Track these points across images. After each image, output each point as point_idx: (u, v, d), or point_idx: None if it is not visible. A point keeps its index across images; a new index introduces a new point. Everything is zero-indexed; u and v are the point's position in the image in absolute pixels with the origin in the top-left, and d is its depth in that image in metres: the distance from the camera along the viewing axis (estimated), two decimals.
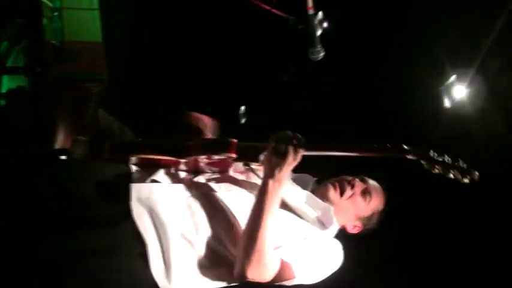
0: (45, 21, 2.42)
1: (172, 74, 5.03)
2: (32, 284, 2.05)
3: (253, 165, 2.39)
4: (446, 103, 4.22)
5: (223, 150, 2.33)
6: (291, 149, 2.19)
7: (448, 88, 4.20)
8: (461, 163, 2.25)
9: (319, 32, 2.64)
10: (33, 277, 2.04)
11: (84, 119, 2.70)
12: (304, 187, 2.60)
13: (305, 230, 2.42)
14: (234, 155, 2.34)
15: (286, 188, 2.35)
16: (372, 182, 2.67)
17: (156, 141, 2.38)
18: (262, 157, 2.33)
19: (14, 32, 3.42)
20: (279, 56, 5.25)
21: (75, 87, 2.44)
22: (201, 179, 2.38)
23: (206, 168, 2.43)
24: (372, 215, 2.67)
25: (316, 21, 2.59)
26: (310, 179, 2.71)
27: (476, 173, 2.25)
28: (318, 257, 2.37)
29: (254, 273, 2.18)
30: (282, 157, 2.19)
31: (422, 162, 2.28)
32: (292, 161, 2.20)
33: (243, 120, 6.67)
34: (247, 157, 2.37)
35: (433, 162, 2.27)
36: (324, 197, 2.57)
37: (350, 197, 2.59)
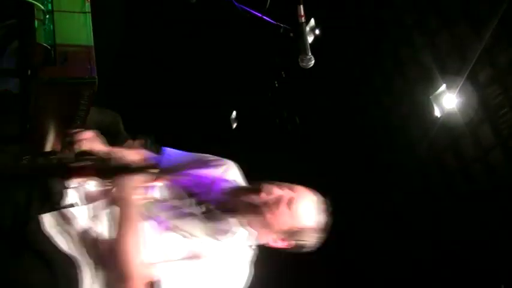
0: (36, 23, 2.40)
1: (162, 79, 5.05)
2: None
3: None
4: (436, 112, 4.24)
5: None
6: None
7: (438, 97, 4.22)
8: None
9: (310, 40, 2.65)
10: None
11: (73, 121, 2.70)
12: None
13: (192, 248, 2.28)
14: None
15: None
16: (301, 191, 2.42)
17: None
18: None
19: (5, 34, 3.42)
20: (270, 62, 5.27)
21: (66, 90, 2.43)
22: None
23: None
24: (301, 232, 2.38)
25: (307, 29, 2.60)
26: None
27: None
28: (203, 278, 2.23)
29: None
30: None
31: None
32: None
33: (234, 125, 6.69)
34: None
35: None
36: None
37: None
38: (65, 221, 2.22)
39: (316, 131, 5.41)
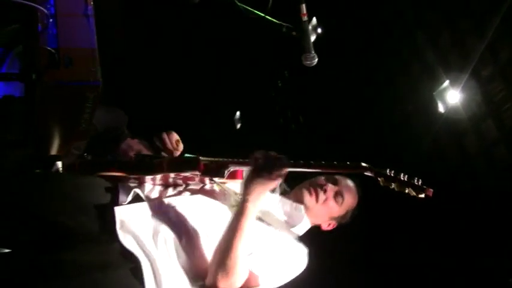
0: (40, 27, 2.41)
1: (165, 80, 5.05)
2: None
3: (220, 180, 2.49)
4: (440, 108, 4.24)
5: (189, 168, 2.42)
6: (275, 173, 2.24)
7: (442, 93, 4.22)
8: (415, 181, 2.29)
9: (313, 38, 2.65)
10: None
11: (79, 124, 2.70)
12: (272, 190, 2.63)
13: (272, 237, 2.49)
14: (199, 172, 2.42)
15: None
16: (344, 182, 2.76)
17: (123, 160, 2.52)
18: (226, 172, 2.41)
19: (9, 38, 3.43)
20: (273, 62, 5.27)
21: (70, 93, 2.44)
22: (175, 192, 2.49)
23: (179, 182, 2.53)
24: (346, 213, 2.78)
25: (310, 28, 2.60)
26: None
27: (431, 189, 2.30)
28: (282, 265, 2.46)
29: (224, 285, 2.26)
30: (265, 179, 2.24)
31: (379, 179, 2.32)
32: (274, 182, 2.27)
33: (238, 126, 6.70)
34: (212, 173, 2.44)
35: (389, 179, 2.30)
36: (299, 201, 2.69)
37: (324, 201, 2.69)
38: (131, 218, 2.28)
39: (320, 130, 5.42)
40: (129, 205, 2.32)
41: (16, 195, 2.27)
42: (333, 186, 2.71)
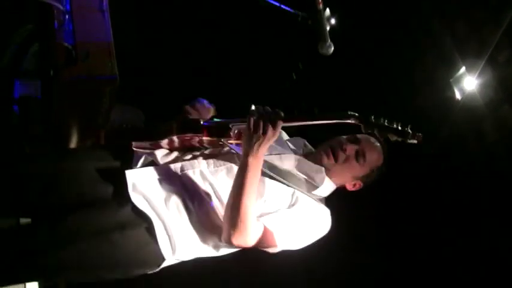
0: (56, 24, 2.43)
1: (180, 72, 5.05)
2: (56, 260, 2.19)
3: (230, 141, 2.51)
4: (457, 95, 4.22)
5: (192, 130, 2.49)
6: (269, 125, 2.25)
7: (458, 80, 4.20)
8: (397, 125, 2.31)
9: (328, 28, 2.64)
10: (54, 255, 2.17)
11: (96, 119, 2.72)
12: (295, 151, 2.70)
13: (292, 197, 2.49)
14: (202, 134, 2.48)
15: (277, 152, 2.54)
16: (365, 140, 2.69)
17: (136, 128, 2.66)
18: (235, 131, 2.46)
19: (26, 37, 3.45)
20: (288, 52, 5.26)
21: (88, 87, 2.46)
22: (190, 156, 2.52)
23: (196, 145, 2.58)
24: (371, 172, 2.71)
25: (324, 16, 2.60)
26: (302, 142, 2.79)
27: (419, 134, 2.32)
28: (302, 225, 2.45)
29: (238, 240, 2.30)
30: (261, 133, 2.25)
31: (362, 125, 2.34)
32: (271, 135, 2.27)
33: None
34: (216, 133, 2.48)
35: (371, 125, 2.32)
36: (318, 164, 2.64)
37: (344, 161, 2.64)
38: (142, 180, 2.34)
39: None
40: (140, 168, 2.39)
41: (33, 168, 2.35)
42: (353, 145, 2.65)
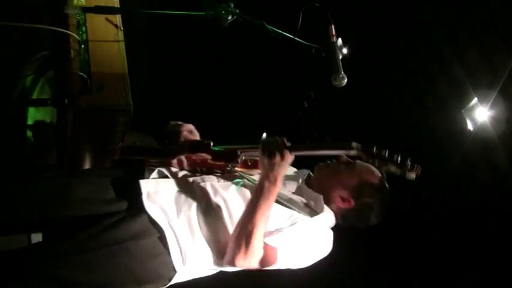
0: (72, 53, 2.46)
1: (193, 101, 5.08)
2: (75, 268, 2.19)
3: (236, 168, 2.55)
4: (469, 126, 4.21)
5: (200, 150, 2.50)
6: (276, 152, 2.31)
7: (470, 111, 4.20)
8: (398, 157, 2.28)
9: (340, 57, 2.66)
10: (71, 263, 2.18)
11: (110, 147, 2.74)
12: (297, 179, 2.72)
13: (292, 217, 2.49)
14: (209, 156, 2.50)
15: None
16: (360, 162, 2.68)
17: (148, 146, 2.58)
18: (243, 158, 2.50)
19: (39, 64, 3.49)
20: (301, 82, 5.29)
21: (102, 117, 2.48)
22: (199, 177, 2.51)
23: (205, 168, 2.58)
24: (362, 185, 2.65)
25: (337, 48, 2.61)
26: (306, 172, 2.79)
27: (417, 166, 2.28)
28: (303, 244, 2.45)
29: (242, 262, 2.31)
30: (270, 159, 2.31)
31: (362, 155, 2.34)
32: (280, 162, 2.31)
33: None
34: (224, 158, 2.51)
35: (372, 156, 2.32)
36: (315, 175, 2.71)
37: (333, 165, 2.69)
38: (156, 190, 2.36)
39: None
40: (154, 179, 2.41)
41: (46, 183, 2.35)
42: (343, 157, 2.68)
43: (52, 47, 2.93)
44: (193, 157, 2.53)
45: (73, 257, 2.18)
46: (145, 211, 2.29)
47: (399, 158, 2.29)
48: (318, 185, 2.67)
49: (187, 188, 2.42)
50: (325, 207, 2.60)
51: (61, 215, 2.26)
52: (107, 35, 2.56)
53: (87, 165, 2.84)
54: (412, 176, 2.28)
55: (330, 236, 2.56)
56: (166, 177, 2.46)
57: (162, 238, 2.30)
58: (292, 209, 2.51)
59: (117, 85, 2.47)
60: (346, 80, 2.60)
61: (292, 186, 2.67)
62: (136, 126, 2.81)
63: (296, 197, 2.60)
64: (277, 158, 2.31)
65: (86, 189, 2.31)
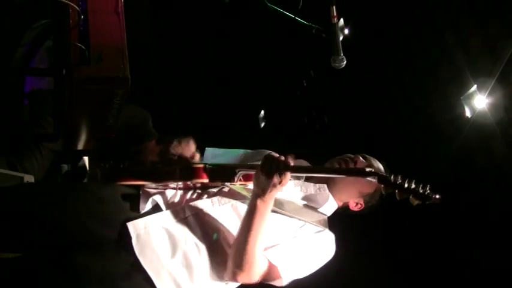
0: (71, 23, 2.44)
1: (191, 77, 5.07)
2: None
3: (231, 185, 2.49)
4: (467, 113, 4.21)
5: (194, 177, 2.44)
6: (275, 174, 2.24)
7: (469, 98, 4.19)
8: (420, 188, 2.16)
9: (341, 38, 2.65)
10: None
11: (106, 120, 2.73)
12: (296, 176, 2.64)
13: (294, 227, 2.50)
14: (206, 180, 2.44)
15: None
16: (373, 160, 2.71)
17: (138, 168, 2.52)
18: (240, 176, 2.45)
19: (39, 33, 3.47)
20: (300, 61, 5.27)
21: (99, 89, 2.47)
22: (194, 196, 2.51)
23: (198, 186, 2.54)
24: (375, 192, 2.70)
25: (338, 29, 2.60)
26: (304, 164, 2.73)
27: (438, 196, 2.19)
28: (306, 254, 2.46)
29: (243, 279, 2.34)
30: (268, 179, 2.25)
31: (382, 185, 2.23)
32: (277, 183, 2.25)
33: (262, 124, 6.71)
34: (220, 178, 2.47)
35: (391, 186, 2.20)
36: (324, 182, 2.65)
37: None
38: (147, 230, 2.32)
39: (345, 131, 5.41)
40: (143, 218, 2.35)
41: (40, 202, 2.31)
42: (363, 160, 2.66)
43: (52, 16, 2.91)
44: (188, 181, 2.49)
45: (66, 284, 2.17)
46: (136, 256, 2.26)
47: (420, 189, 2.17)
48: (333, 187, 2.65)
49: (181, 219, 2.39)
50: (330, 196, 2.63)
51: (57, 239, 2.23)
52: (107, 6, 2.54)
53: (82, 136, 2.84)
54: (430, 202, 2.20)
55: (331, 240, 2.56)
56: (159, 208, 2.41)
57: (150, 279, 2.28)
58: (294, 217, 2.51)
59: (116, 57, 2.44)
60: (345, 62, 2.59)
61: (291, 185, 2.61)
62: (134, 99, 2.80)
63: (298, 198, 2.59)
64: (275, 179, 2.24)
65: (81, 216, 2.27)
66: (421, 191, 2.15)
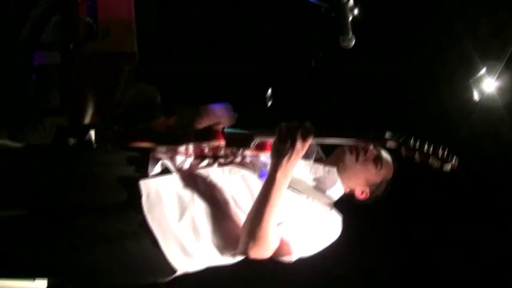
0: None
1: (199, 54, 5.04)
2: (59, 269, 2.22)
3: (248, 152, 2.49)
4: (476, 96, 4.19)
5: (211, 137, 2.41)
6: (298, 139, 2.23)
7: (478, 81, 4.17)
8: (440, 150, 2.21)
9: (350, 18, 2.63)
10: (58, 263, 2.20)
11: (113, 96, 2.73)
12: (306, 156, 2.63)
13: (304, 206, 2.50)
14: (222, 142, 2.41)
15: None
16: (383, 151, 2.72)
17: (153, 130, 2.53)
18: (253, 143, 2.42)
19: (47, 8, 3.45)
20: (309, 41, 5.24)
21: (106, 64, 2.46)
22: (205, 163, 2.50)
23: (210, 154, 2.53)
24: (381, 182, 2.73)
25: (348, 9, 2.57)
26: (314, 148, 2.76)
27: (455, 160, 2.22)
28: (315, 232, 2.46)
29: (256, 254, 2.33)
30: (289, 147, 2.24)
31: (401, 149, 2.27)
32: (300, 149, 2.25)
33: (269, 103, 6.68)
34: (237, 143, 2.45)
35: (411, 149, 2.24)
36: (339, 160, 2.67)
37: (363, 162, 2.66)
38: (157, 190, 2.32)
39: (353, 112, 5.39)
40: (155, 178, 2.35)
41: (50, 163, 2.31)
42: (374, 150, 2.67)
43: None
44: (204, 145, 2.47)
45: (74, 244, 2.18)
46: (144, 213, 2.26)
47: (439, 151, 2.21)
48: (342, 172, 2.66)
49: (191, 184, 2.38)
50: (338, 180, 2.63)
51: (67, 201, 2.25)
52: None
53: (89, 111, 2.84)
54: (448, 167, 2.23)
55: (338, 220, 2.58)
56: (169, 171, 2.41)
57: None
58: (303, 195, 2.51)
59: (124, 32, 2.43)
60: (354, 41, 2.57)
61: (301, 165, 2.60)
62: (141, 76, 2.79)
63: (307, 178, 2.59)
64: (298, 144, 2.23)
65: (91, 180, 2.30)
66: (440, 153, 2.19)
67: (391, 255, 4.68)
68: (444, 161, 2.19)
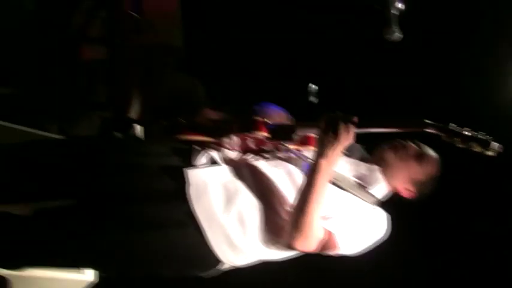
0: None
1: (244, 48, 5.05)
2: (105, 257, 2.23)
3: (291, 146, 2.48)
4: None
5: (254, 128, 2.42)
6: (342, 129, 2.22)
7: None
8: (480, 135, 2.17)
9: (395, 13, 2.60)
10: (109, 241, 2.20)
11: (159, 89, 2.76)
12: (350, 154, 2.63)
13: (349, 201, 2.46)
14: (265, 133, 2.42)
15: None
16: (426, 148, 2.65)
17: (195, 123, 2.51)
18: (295, 136, 2.43)
19: (94, 3, 3.51)
20: (353, 34, 5.20)
21: (151, 57, 2.49)
22: (249, 157, 2.49)
23: (255, 147, 2.52)
24: (426, 180, 2.65)
25: (393, 2, 2.55)
26: (357, 147, 2.73)
27: (497, 144, 2.16)
28: (360, 227, 2.42)
29: (302, 245, 2.28)
30: (334, 137, 2.22)
31: (442, 135, 2.23)
32: (344, 140, 2.23)
33: (313, 99, 6.66)
34: (280, 135, 2.45)
35: (452, 135, 2.21)
36: (381, 159, 2.63)
37: (405, 158, 2.61)
38: (203, 180, 2.30)
39: (393, 108, 5.34)
40: (201, 168, 2.34)
41: (98, 153, 2.34)
42: (415, 146, 2.63)
43: None
44: (248, 137, 2.48)
45: (119, 232, 2.18)
46: (189, 203, 2.25)
47: (479, 135, 2.18)
48: (385, 171, 2.62)
49: (238, 176, 2.36)
50: (381, 178, 2.59)
51: (114, 189, 2.25)
52: None
53: (134, 105, 2.87)
54: (491, 153, 2.19)
55: (384, 218, 2.52)
56: (215, 163, 2.40)
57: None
58: (347, 191, 2.48)
59: (169, 26, 2.46)
60: (397, 34, 2.54)
61: (344, 162, 2.58)
62: (185, 68, 2.81)
63: (350, 175, 2.55)
64: (343, 133, 2.21)
65: (138, 169, 2.29)
66: (482, 137, 2.17)
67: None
68: (487, 143, 2.17)
